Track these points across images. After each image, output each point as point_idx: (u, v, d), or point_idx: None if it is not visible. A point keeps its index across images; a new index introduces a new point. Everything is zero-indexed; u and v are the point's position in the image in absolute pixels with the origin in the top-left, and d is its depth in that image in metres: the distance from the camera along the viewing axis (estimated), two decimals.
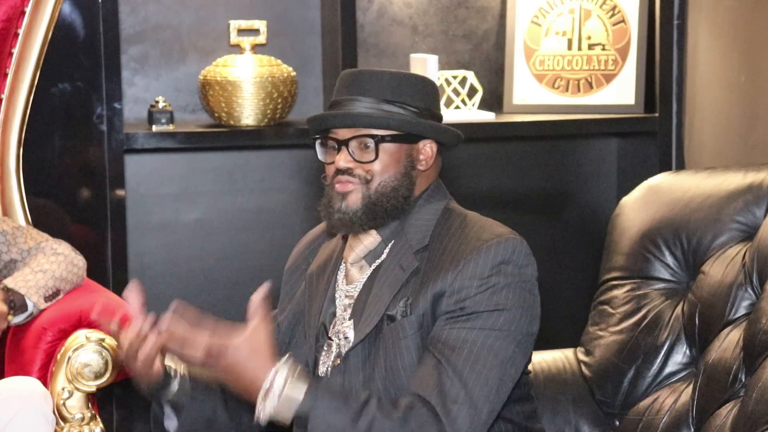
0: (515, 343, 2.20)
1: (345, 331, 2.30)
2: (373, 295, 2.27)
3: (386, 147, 2.26)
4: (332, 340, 2.32)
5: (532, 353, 2.31)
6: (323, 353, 2.33)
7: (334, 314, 2.34)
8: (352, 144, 2.26)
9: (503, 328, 2.19)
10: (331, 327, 2.33)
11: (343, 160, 2.26)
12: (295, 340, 2.39)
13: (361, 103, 2.26)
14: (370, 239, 2.30)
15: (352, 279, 2.33)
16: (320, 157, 2.31)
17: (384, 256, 2.30)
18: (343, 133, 2.27)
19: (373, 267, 2.31)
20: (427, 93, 2.30)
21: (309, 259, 2.44)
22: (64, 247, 2.99)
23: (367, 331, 2.25)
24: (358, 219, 2.27)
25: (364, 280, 2.31)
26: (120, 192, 3.55)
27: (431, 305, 2.22)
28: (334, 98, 2.30)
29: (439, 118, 2.32)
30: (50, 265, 2.93)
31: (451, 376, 2.16)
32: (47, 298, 2.90)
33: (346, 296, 2.33)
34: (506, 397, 2.22)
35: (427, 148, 2.30)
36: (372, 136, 2.25)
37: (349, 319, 2.30)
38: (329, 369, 2.31)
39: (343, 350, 2.29)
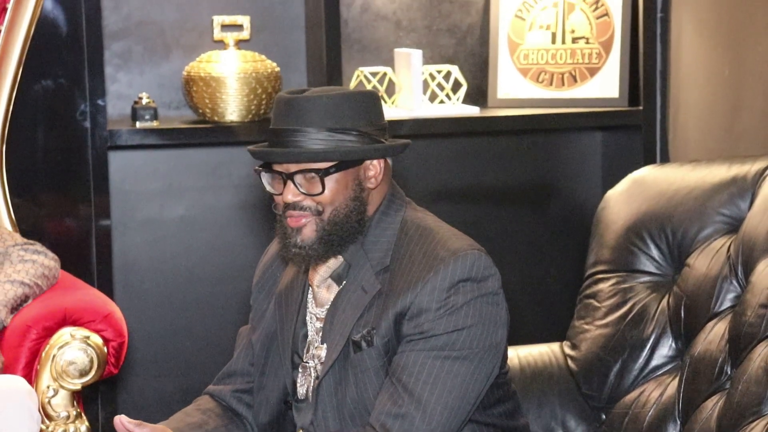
0: (477, 360, 2.19)
1: (320, 355, 2.28)
2: (337, 320, 2.25)
3: (332, 177, 2.20)
4: (308, 363, 2.31)
5: (506, 355, 2.30)
6: (299, 376, 2.32)
7: (305, 336, 2.32)
8: (298, 177, 2.21)
9: (463, 348, 2.18)
10: (305, 351, 2.32)
11: (291, 194, 2.21)
12: (271, 361, 2.36)
13: (302, 134, 2.18)
14: (333, 260, 2.27)
15: (321, 301, 2.30)
16: (267, 188, 2.25)
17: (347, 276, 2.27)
18: (287, 167, 2.21)
19: (341, 286, 2.28)
20: (368, 109, 2.23)
21: (276, 274, 2.41)
22: (32, 252, 2.98)
23: (334, 357, 2.24)
24: (314, 252, 2.23)
25: (332, 299, 2.29)
26: (104, 189, 3.54)
27: (394, 328, 2.21)
28: (273, 125, 2.23)
29: (384, 128, 2.26)
30: (17, 274, 2.92)
31: (408, 403, 2.15)
32: (13, 309, 2.89)
33: (317, 319, 2.31)
34: (467, 414, 2.21)
35: (374, 164, 2.24)
36: (316, 171, 2.19)
37: (322, 343, 2.28)
38: (309, 390, 2.30)
39: (321, 373, 2.27)
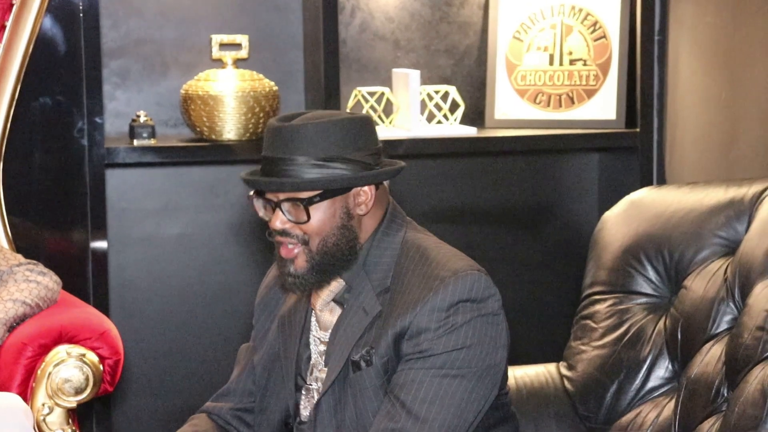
0: (475, 379, 2.19)
1: (323, 378, 2.28)
2: (338, 340, 2.26)
3: (317, 206, 2.20)
4: (311, 386, 2.31)
5: (506, 376, 2.30)
6: (303, 398, 2.32)
7: (309, 359, 2.32)
8: (285, 205, 2.21)
9: (462, 367, 2.18)
10: (309, 373, 2.32)
11: (279, 221, 2.22)
12: (273, 383, 2.37)
13: (288, 163, 2.18)
14: (334, 283, 2.27)
15: (324, 324, 2.31)
16: (260, 214, 2.26)
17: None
18: (276, 194, 2.22)
19: (344, 309, 2.28)
20: (357, 135, 2.21)
21: (279, 295, 2.41)
22: (37, 273, 2.98)
23: (333, 377, 2.24)
24: (308, 281, 2.24)
25: (335, 321, 2.29)
26: (101, 206, 3.54)
27: (393, 348, 2.21)
28: (264, 153, 2.24)
29: (377, 153, 2.25)
30: (20, 293, 2.92)
31: (405, 420, 2.15)
32: (10, 328, 2.89)
33: (321, 342, 2.31)
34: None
35: (365, 191, 2.24)
36: (300, 200, 2.20)
37: (326, 365, 2.28)
38: (311, 413, 2.30)
39: (320, 393, 2.27)
